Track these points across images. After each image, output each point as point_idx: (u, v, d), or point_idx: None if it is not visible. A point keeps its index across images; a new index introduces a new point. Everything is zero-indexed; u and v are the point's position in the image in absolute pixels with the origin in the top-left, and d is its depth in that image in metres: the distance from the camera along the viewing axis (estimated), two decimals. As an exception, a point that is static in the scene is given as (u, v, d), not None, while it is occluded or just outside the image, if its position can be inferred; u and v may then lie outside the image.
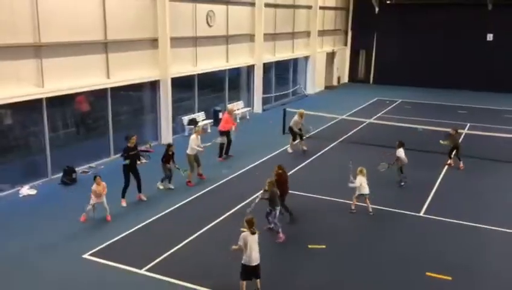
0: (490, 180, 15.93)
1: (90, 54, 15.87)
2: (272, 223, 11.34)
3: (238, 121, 22.57)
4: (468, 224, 12.45)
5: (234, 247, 8.91)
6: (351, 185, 12.77)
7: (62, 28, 14.71)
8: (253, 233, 8.81)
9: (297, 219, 12.33)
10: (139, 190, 13.51)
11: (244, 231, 8.87)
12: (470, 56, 34.14)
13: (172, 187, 14.45)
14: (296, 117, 18.66)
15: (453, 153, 16.93)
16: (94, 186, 12.11)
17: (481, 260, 10.69)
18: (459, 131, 17.79)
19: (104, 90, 16.74)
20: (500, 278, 10.02)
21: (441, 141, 17.04)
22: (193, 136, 14.95)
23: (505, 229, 12.17)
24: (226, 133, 17.40)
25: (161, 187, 14.43)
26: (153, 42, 18.46)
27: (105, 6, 16.07)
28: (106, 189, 12.23)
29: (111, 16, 16.32)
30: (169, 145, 14.59)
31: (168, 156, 14.25)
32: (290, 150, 18.57)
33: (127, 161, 12.94)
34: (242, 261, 8.83)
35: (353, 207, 12.96)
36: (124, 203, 13.04)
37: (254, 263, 8.79)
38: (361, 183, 12.77)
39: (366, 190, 12.84)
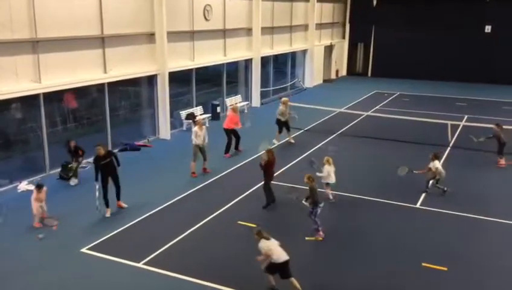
0: (487, 172, 15.98)
1: (87, 49, 15.87)
2: (313, 221, 11.15)
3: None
4: (464, 215, 12.51)
5: (260, 258, 8.84)
6: (318, 174, 12.77)
7: (58, 23, 14.70)
8: (268, 239, 8.77)
9: (294, 211, 12.37)
10: (118, 197, 12.64)
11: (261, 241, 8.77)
12: (468, 48, 34.11)
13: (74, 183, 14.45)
14: (280, 106, 18.83)
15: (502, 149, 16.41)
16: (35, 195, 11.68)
17: (477, 251, 10.75)
18: (503, 126, 16.86)
19: (102, 85, 16.76)
20: (495, 268, 10.07)
21: (477, 139, 16.89)
22: (194, 129, 15.28)
23: (501, 220, 12.24)
24: (230, 131, 17.37)
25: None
26: (150, 37, 18.46)
27: (101, 0, 16.04)
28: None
29: (107, 10, 16.31)
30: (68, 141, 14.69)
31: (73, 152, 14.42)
32: (275, 142, 18.64)
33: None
34: (272, 262, 8.75)
35: (331, 197, 13.08)
36: (108, 214, 12.23)
37: (285, 257, 8.72)
38: (329, 172, 12.89)
39: (332, 179, 12.97)
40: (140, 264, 9.91)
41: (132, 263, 9.97)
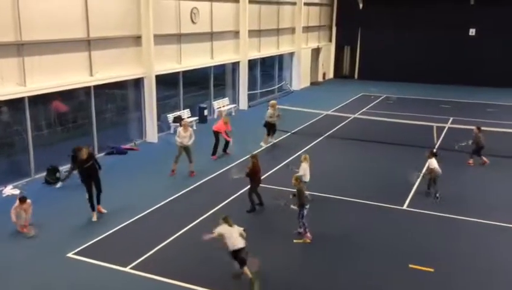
0: (472, 173, 16.17)
1: (73, 52, 15.74)
2: (301, 223, 11.18)
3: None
4: (450, 217, 12.62)
5: (209, 236, 9.34)
6: (295, 175, 12.80)
7: (44, 25, 14.55)
8: (231, 226, 9.27)
9: (282, 214, 12.37)
10: (98, 201, 12.44)
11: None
12: (453, 51, 34.52)
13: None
14: (269, 110, 18.95)
15: (480, 151, 16.71)
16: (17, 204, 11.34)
17: (462, 252, 10.87)
18: (482, 129, 17.16)
19: (88, 88, 16.64)
20: (480, 269, 10.18)
21: (461, 144, 17.02)
22: (179, 129, 15.42)
23: (487, 221, 12.37)
24: (219, 134, 17.37)
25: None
26: (137, 39, 18.37)
27: (87, 3, 15.94)
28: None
29: (93, 13, 16.20)
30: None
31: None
32: (263, 144, 18.70)
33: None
34: (229, 250, 9.14)
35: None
36: (94, 218, 12.10)
37: (240, 245, 9.10)
38: (305, 170, 12.83)
39: (306, 178, 12.81)
40: (127, 269, 9.84)
41: (119, 267, 9.89)
